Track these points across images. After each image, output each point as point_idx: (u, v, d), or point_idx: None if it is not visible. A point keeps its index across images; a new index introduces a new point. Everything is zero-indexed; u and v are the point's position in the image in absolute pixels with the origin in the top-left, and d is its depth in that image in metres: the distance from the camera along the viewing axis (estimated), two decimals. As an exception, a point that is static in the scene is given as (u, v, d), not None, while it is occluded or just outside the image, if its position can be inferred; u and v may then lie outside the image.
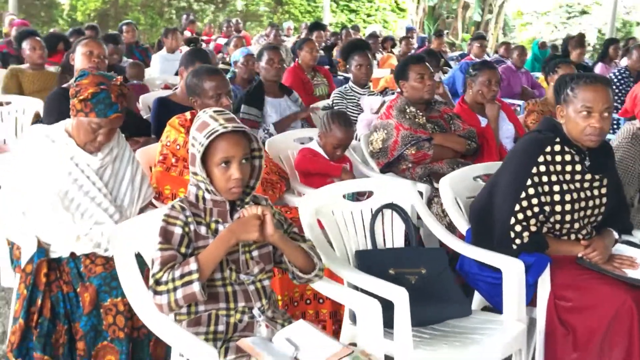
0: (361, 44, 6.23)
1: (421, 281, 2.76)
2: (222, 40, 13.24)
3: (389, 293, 2.38)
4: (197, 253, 2.16)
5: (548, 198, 2.83)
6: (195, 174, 2.22)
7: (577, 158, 2.87)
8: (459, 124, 4.49)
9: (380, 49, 13.42)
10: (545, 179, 2.83)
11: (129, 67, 6.75)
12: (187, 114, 3.56)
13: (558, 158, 2.85)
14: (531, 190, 2.81)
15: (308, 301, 3.10)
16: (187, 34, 13.69)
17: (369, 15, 21.29)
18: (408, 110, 4.33)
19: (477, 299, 3.07)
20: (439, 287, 2.76)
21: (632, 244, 3.02)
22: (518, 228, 2.80)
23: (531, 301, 2.81)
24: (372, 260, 2.77)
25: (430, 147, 4.22)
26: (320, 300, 3.09)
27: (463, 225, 3.08)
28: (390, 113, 4.35)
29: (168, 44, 9.00)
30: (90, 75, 2.78)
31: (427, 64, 4.46)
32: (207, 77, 3.49)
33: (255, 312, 2.24)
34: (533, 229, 2.80)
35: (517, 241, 2.80)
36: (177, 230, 2.17)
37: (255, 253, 2.29)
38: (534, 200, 2.81)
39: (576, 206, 2.86)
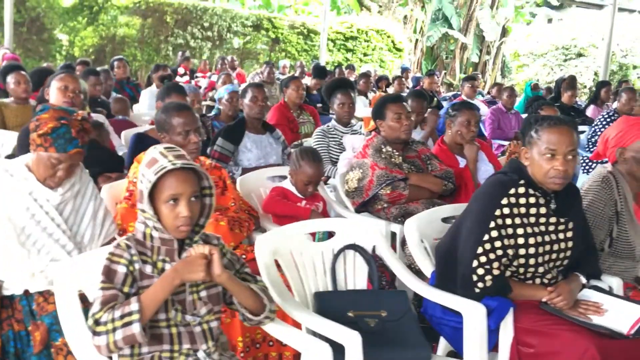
0: (344, 83, 6.22)
1: (381, 324, 2.70)
2: (215, 77, 13.31)
3: (341, 337, 2.32)
4: (141, 293, 2.11)
5: (512, 241, 2.79)
6: (143, 211, 2.18)
7: (541, 201, 2.83)
8: (436, 164, 4.46)
9: (374, 88, 13.51)
10: (509, 221, 2.78)
11: (114, 102, 6.76)
12: (157, 151, 3.52)
13: (522, 200, 2.81)
14: (494, 233, 2.76)
15: (271, 343, 3.03)
16: (181, 70, 13.81)
17: (365, 55, 21.43)
18: (384, 150, 4.31)
19: (443, 344, 3.01)
20: (399, 331, 2.70)
21: (600, 290, 2.96)
22: (480, 271, 2.74)
23: (494, 347, 2.74)
24: (331, 303, 2.71)
25: (406, 187, 4.19)
26: (284, 343, 3.02)
27: (428, 268, 3.03)
28: (366, 152, 4.33)
29: (157, 80, 9.04)
30: (50, 110, 2.76)
31: (404, 103, 4.44)
32: (176, 113, 3.47)
33: (200, 354, 2.18)
34: (496, 272, 2.75)
35: (480, 285, 2.75)
36: (121, 269, 2.12)
37: (203, 293, 2.24)
38: (497, 243, 2.76)
39: (540, 250, 2.81)
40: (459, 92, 12.19)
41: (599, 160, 3.44)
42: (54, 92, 4.30)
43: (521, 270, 2.83)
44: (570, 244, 2.88)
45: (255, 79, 12.09)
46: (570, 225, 2.87)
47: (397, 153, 4.33)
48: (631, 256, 3.26)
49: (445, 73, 25.16)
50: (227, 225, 3.36)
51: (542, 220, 2.82)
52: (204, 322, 2.22)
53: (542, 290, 2.81)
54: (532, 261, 2.81)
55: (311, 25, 20.76)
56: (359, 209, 4.29)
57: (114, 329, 2.00)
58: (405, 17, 25.70)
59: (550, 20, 29.21)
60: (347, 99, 5.78)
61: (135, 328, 2.00)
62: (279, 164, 4.98)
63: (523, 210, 2.80)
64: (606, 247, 3.27)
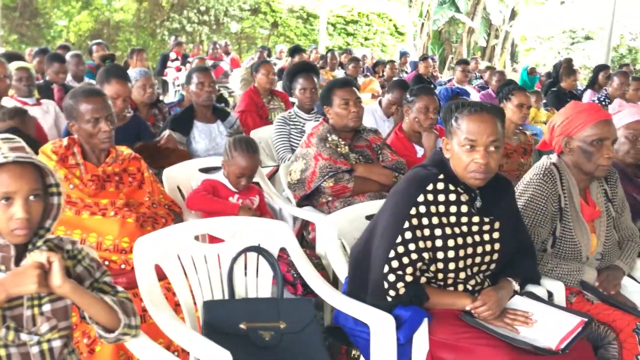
0: (307, 67, 5.89)
1: (277, 337, 2.40)
2: (207, 63, 13.05)
3: (211, 356, 2.03)
4: (-31, 308, 1.83)
5: (428, 243, 2.47)
6: (-29, 212, 1.89)
7: (463, 198, 2.51)
8: (387, 154, 4.13)
9: (368, 73, 13.15)
10: (425, 221, 2.47)
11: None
12: (65, 140, 3.24)
13: (441, 197, 2.49)
14: (408, 235, 2.44)
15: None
16: (173, 55, 13.55)
17: (366, 39, 20.99)
18: (330, 139, 3.99)
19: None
20: (298, 345, 2.41)
21: (534, 297, 2.65)
22: (392, 278, 2.43)
23: (408, 361, 2.44)
24: (222, 313, 2.41)
25: (351, 179, 3.87)
26: None
27: (343, 272, 2.72)
28: (310, 141, 4.02)
29: (133, 64, 8.77)
30: None
31: (354, 88, 4.12)
32: (84, 98, 3.17)
33: (36, 379, 1.90)
34: (409, 278, 2.43)
35: (392, 293, 2.44)
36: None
37: (46, 307, 1.95)
38: (411, 246, 2.44)
39: (461, 253, 2.49)
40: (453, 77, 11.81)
41: (548, 151, 3.10)
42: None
43: (440, 275, 2.52)
44: (496, 245, 2.56)
45: (249, 64, 11.80)
46: (497, 225, 2.55)
47: (343, 142, 4.01)
48: (576, 257, 2.92)
49: (452, 57, 24.68)
50: (135, 223, 3.06)
51: (464, 219, 2.50)
52: (44, 342, 1.93)
53: (465, 299, 2.51)
54: (451, 265, 2.49)
55: (310, 9, 20.35)
56: (301, 203, 3.99)
57: None
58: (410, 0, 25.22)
59: (563, 2, 28.57)
60: (309, 84, 5.43)
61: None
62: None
63: (442, 208, 2.49)
64: (549, 248, 2.94)
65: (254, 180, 4.02)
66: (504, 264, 2.63)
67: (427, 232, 2.47)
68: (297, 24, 19.93)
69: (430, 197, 2.48)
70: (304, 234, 4.10)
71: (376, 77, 12.94)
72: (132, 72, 5.47)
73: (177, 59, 13.51)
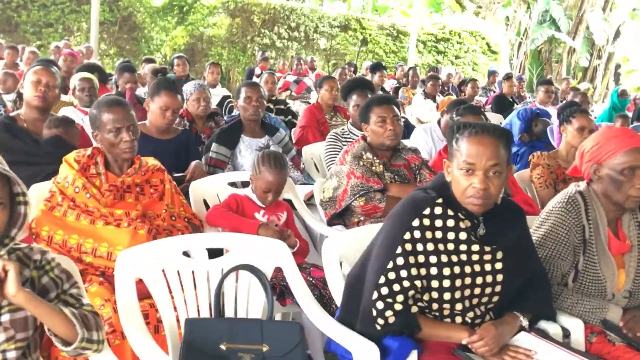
0: (362, 83, 5.78)
1: (258, 361, 2.32)
2: (291, 78, 13.19)
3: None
4: None
5: (422, 270, 2.33)
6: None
7: (463, 224, 2.35)
8: (425, 174, 3.99)
9: (451, 92, 12.87)
10: (420, 247, 2.32)
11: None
12: (89, 150, 3.28)
13: (438, 223, 2.34)
14: (400, 260, 2.31)
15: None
16: (258, 70, 13.75)
17: (457, 57, 20.63)
18: (365, 157, 3.88)
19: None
20: (280, 370, 2.31)
21: (544, 335, 2.45)
22: (380, 305, 2.30)
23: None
24: (204, 332, 2.34)
25: (383, 199, 3.75)
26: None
27: (339, 296, 2.59)
28: (344, 159, 3.92)
29: (208, 78, 8.93)
30: None
31: (393, 106, 4.00)
32: (106, 109, 3.21)
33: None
34: (398, 307, 2.29)
35: (380, 321, 2.30)
36: None
37: (5, 317, 1.93)
38: (403, 273, 2.30)
39: (458, 283, 2.33)
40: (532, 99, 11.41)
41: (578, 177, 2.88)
42: (27, 86, 4.13)
43: (435, 305, 2.36)
44: (499, 277, 2.38)
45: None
46: (499, 255, 2.38)
47: (378, 161, 3.89)
48: (600, 294, 2.69)
49: (551, 78, 23.93)
50: (147, 234, 3.05)
51: (463, 247, 2.34)
52: (-2, 352, 1.92)
53: (461, 332, 2.34)
54: (447, 295, 2.34)
55: (401, 27, 20.22)
56: (332, 222, 3.89)
57: None
58: (507, 18, 24.66)
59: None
60: (363, 101, 5.33)
61: None
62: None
63: (439, 234, 2.34)
64: (570, 282, 2.72)
65: (287, 197, 3.97)
66: (510, 297, 2.45)
67: (421, 258, 2.33)
68: (387, 41, 19.83)
69: (426, 221, 2.34)
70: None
71: (462, 96, 12.67)
72: (188, 86, 5.55)
73: (261, 74, 13.69)
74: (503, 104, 10.77)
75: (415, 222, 2.33)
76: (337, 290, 2.59)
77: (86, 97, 5.52)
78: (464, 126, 2.33)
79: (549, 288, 2.58)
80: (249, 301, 2.55)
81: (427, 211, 2.35)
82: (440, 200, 2.36)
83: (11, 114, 4.20)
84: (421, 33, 19.69)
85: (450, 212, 2.35)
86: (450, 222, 2.35)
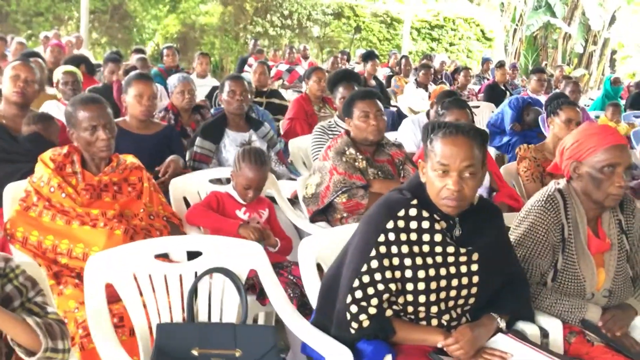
0: (349, 75, 5.73)
1: (231, 366, 2.28)
2: (283, 67, 13.11)
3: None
4: None
5: (397, 273, 2.29)
6: None
7: (438, 226, 2.32)
8: (409, 170, 3.95)
9: (447, 81, 12.80)
10: (394, 249, 2.29)
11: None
12: (65, 148, 3.23)
13: (413, 225, 2.30)
14: (374, 263, 2.27)
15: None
16: (251, 61, 13.64)
17: (451, 44, 20.51)
18: (347, 152, 3.84)
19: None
20: (252, 375, 2.28)
21: (521, 336, 2.42)
22: (354, 309, 2.27)
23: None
24: (175, 337, 2.31)
25: (365, 195, 3.71)
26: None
27: (315, 299, 2.56)
28: (327, 154, 3.88)
29: (197, 68, 8.87)
30: None
31: (376, 100, 3.95)
32: (82, 106, 3.15)
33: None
34: (372, 311, 2.26)
35: (354, 325, 2.27)
36: None
37: (-33, 327, 1.91)
38: (377, 276, 2.27)
39: (433, 285, 2.30)
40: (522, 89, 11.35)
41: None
42: (6, 81, 4.06)
43: (410, 308, 2.33)
44: (475, 278, 2.35)
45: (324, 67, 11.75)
46: (475, 256, 2.34)
47: (361, 156, 3.84)
48: (579, 293, 2.65)
49: (546, 64, 23.84)
50: (123, 234, 3.01)
51: (438, 249, 2.31)
52: (-40, 361, 1.89)
53: (437, 335, 2.31)
54: (422, 298, 2.30)
55: (395, 14, 20.09)
56: (315, 219, 3.85)
57: None
58: (502, 4, 24.54)
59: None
60: (350, 93, 5.28)
61: None
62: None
63: (413, 236, 2.30)
64: (549, 281, 2.69)
65: (269, 193, 3.93)
66: (486, 298, 2.42)
67: (395, 261, 2.29)
68: (381, 29, 19.72)
69: (400, 223, 2.30)
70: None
71: (455, 84, 12.59)
72: (172, 79, 5.49)
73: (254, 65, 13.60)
74: (495, 93, 10.70)
75: (390, 224, 2.30)
76: (312, 293, 2.55)
77: (69, 91, 5.47)
78: (438, 126, 2.29)
79: (527, 288, 2.55)
80: (224, 305, 2.52)
81: (401, 213, 2.31)
82: (415, 202, 2.32)
83: (-12, 111, 4.15)
84: (415, 20, 19.58)
85: (425, 214, 2.32)
86: (425, 224, 2.31)
